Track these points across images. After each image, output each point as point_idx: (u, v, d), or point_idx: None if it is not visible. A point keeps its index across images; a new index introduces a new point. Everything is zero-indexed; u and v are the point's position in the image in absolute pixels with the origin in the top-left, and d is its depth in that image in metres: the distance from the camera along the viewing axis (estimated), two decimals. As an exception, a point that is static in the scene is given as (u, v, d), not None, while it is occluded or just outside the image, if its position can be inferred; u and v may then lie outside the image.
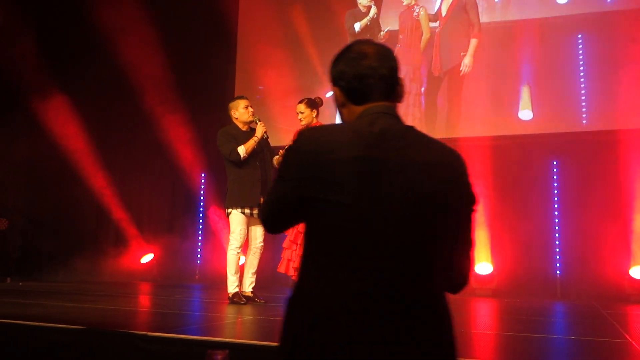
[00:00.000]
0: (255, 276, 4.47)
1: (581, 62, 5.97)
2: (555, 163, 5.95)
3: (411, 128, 1.32)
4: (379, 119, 1.30)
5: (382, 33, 6.98)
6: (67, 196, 7.18)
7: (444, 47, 6.62)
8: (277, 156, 4.42)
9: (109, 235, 7.52)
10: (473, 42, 6.44)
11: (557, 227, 5.84)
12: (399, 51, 6.84)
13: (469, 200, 1.30)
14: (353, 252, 1.21)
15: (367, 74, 1.33)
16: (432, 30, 6.71)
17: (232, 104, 4.52)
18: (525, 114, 6.11)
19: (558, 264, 5.78)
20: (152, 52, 6.75)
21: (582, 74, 5.96)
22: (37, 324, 2.85)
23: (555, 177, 5.93)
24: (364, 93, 1.33)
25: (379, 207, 1.21)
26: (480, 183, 5.87)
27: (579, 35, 6.03)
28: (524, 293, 5.65)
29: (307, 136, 1.31)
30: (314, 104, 4.41)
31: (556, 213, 5.86)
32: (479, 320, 4.14)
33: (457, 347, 1.28)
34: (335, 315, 1.19)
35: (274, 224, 1.38)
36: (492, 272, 5.84)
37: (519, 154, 5.99)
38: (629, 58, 5.65)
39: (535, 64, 6.07)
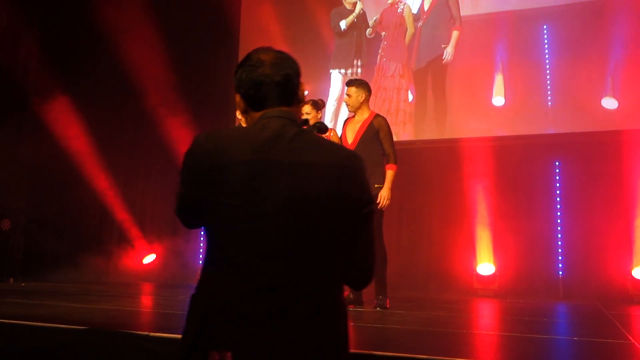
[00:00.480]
0: None
1: (546, 51, 6.09)
2: (557, 163, 5.94)
3: (304, 131, 1.37)
4: (271, 123, 1.36)
5: (369, 30, 6.99)
6: (70, 197, 7.19)
7: (424, 41, 6.73)
8: None
9: (112, 236, 7.53)
10: (455, 34, 6.54)
11: (559, 228, 5.83)
12: (385, 48, 6.91)
13: (364, 201, 1.35)
14: (240, 251, 1.29)
15: (262, 81, 1.39)
16: (416, 23, 6.84)
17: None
18: (498, 100, 6.21)
19: (560, 265, 5.77)
20: (155, 54, 6.77)
21: (547, 61, 6.06)
22: (40, 324, 2.85)
23: (557, 177, 5.92)
24: (260, 99, 1.39)
25: (265, 208, 1.28)
26: (482, 183, 5.87)
27: (545, 26, 6.16)
28: (527, 294, 5.65)
29: (200, 141, 1.37)
30: (318, 105, 4.46)
31: (559, 213, 5.85)
32: (481, 320, 4.14)
33: (345, 343, 1.33)
34: (224, 315, 1.27)
35: (184, 222, 1.45)
36: (494, 273, 5.85)
37: (522, 154, 5.98)
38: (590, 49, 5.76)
39: (508, 53, 6.20)
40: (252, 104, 1.41)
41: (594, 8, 5.95)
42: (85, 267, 6.92)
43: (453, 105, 6.42)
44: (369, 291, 4.04)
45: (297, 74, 1.43)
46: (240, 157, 1.30)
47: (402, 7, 6.92)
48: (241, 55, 7.19)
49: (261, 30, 7.12)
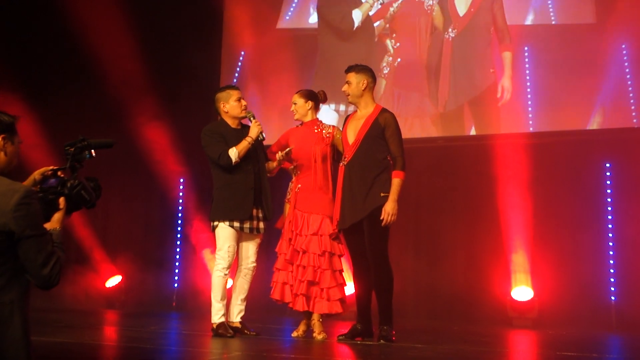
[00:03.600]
0: (245, 303, 4.47)
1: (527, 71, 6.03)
2: (608, 165, 5.92)
3: None
4: None
5: (391, 41, 6.02)
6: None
7: (459, 63, 5.82)
8: (271, 161, 4.47)
9: (68, 255, 7.45)
10: (507, 56, 5.83)
11: (611, 243, 5.81)
12: (398, 68, 6.02)
13: (18, 231, 2.06)
14: None
15: None
16: (439, 35, 5.96)
17: (221, 95, 4.52)
18: None
19: (613, 288, 5.75)
20: (124, 42, 6.83)
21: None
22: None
23: (608, 182, 5.90)
24: None
25: None
26: (516, 189, 5.87)
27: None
28: (572, 323, 5.63)
29: None
30: (312, 95, 4.49)
31: (610, 225, 5.84)
32: (517, 356, 4.12)
33: (20, 345, 2.15)
34: None
35: None
36: (532, 299, 5.82)
37: (565, 154, 5.98)
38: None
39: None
40: None
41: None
42: (36, 292, 6.84)
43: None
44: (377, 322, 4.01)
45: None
46: None
47: (430, 1, 5.70)
48: (225, 41, 7.22)
49: (248, 14, 7.06)
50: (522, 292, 5.85)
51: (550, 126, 5.93)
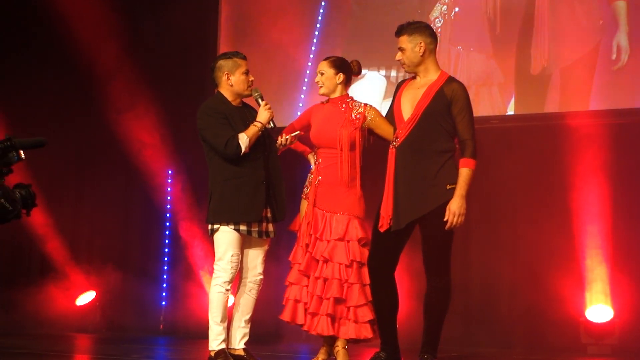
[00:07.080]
0: (249, 325, 4.44)
1: None
2: None
3: None
4: None
5: None
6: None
7: (562, 7, 5.84)
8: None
9: (31, 268, 7.71)
10: (621, 6, 5.76)
11: None
12: (455, 17, 6.03)
13: None
14: None
15: None
16: None
17: (226, 64, 4.49)
18: None
19: None
20: (108, 25, 7.06)
21: None
22: None
23: None
24: None
25: None
26: (591, 182, 5.88)
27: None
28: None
29: None
30: (344, 66, 4.47)
31: None
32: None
33: None
34: None
35: None
36: (612, 319, 5.80)
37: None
38: None
39: None
40: None
41: None
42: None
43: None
44: (405, 348, 3.93)
45: None
46: None
47: None
48: (223, 22, 7.25)
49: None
50: (599, 311, 5.83)
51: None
